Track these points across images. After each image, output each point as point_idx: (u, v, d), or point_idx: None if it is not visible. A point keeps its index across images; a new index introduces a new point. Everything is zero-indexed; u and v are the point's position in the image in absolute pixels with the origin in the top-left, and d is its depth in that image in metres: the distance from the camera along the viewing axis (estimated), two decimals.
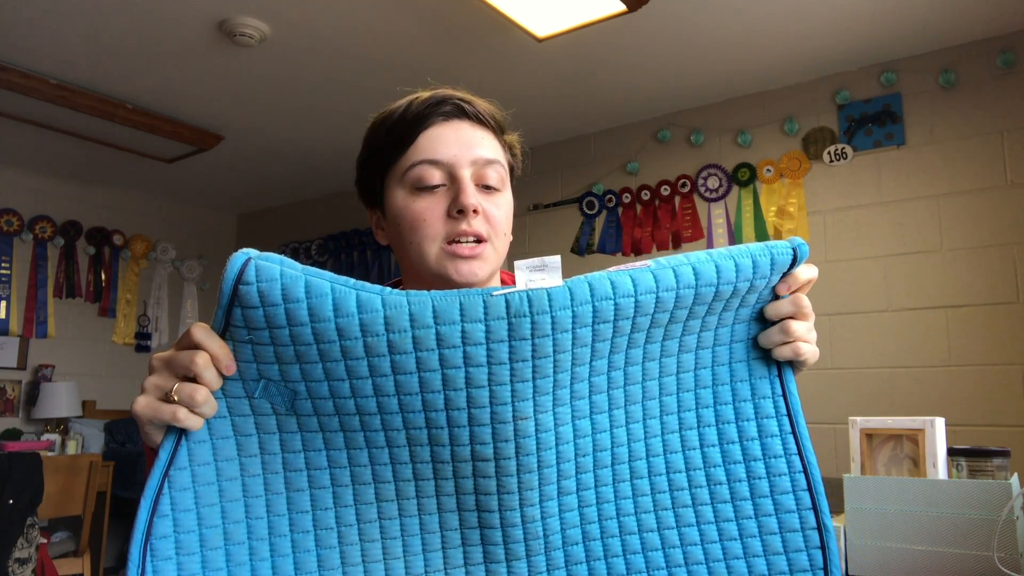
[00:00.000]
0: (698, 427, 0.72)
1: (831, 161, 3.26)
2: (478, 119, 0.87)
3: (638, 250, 3.73)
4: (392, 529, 0.68)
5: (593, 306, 0.62)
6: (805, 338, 0.73)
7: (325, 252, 5.09)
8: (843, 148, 3.24)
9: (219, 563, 0.64)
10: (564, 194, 4.01)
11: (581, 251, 3.91)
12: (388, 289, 0.63)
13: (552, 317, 0.61)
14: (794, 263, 0.70)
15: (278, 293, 0.60)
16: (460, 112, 0.86)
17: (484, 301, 0.61)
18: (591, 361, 0.66)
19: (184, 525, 0.63)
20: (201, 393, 0.63)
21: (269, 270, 0.61)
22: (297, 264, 0.63)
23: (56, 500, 3.29)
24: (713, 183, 3.57)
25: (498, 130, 0.90)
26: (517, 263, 0.62)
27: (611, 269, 0.65)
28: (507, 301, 0.61)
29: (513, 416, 0.64)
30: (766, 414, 0.72)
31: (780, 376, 0.73)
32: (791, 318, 0.72)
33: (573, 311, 0.62)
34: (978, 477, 1.39)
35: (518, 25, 2.78)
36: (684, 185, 3.64)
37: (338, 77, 3.36)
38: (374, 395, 0.64)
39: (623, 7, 2.65)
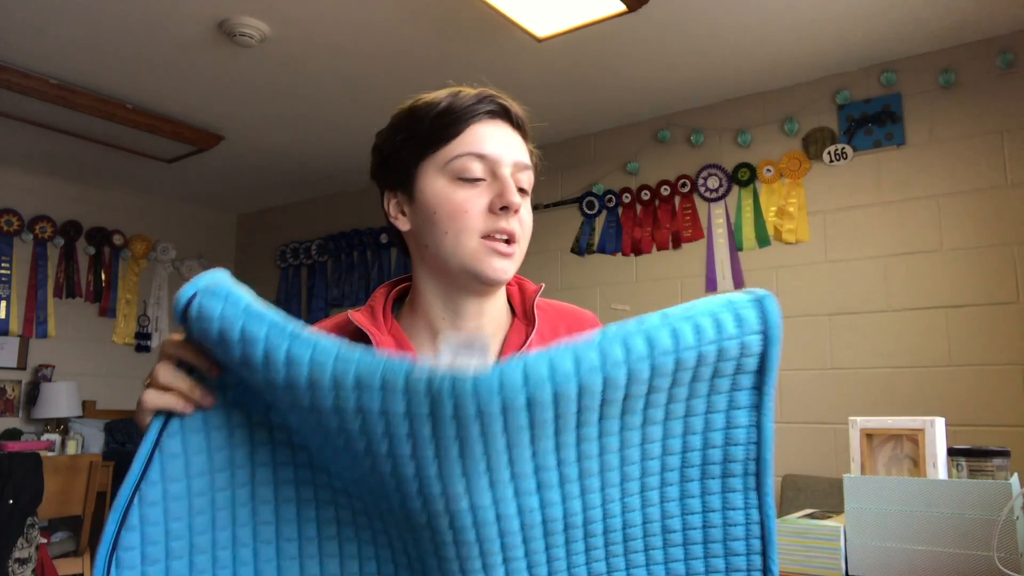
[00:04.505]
0: (663, 519, 0.69)
1: (831, 161, 3.26)
2: (517, 124, 0.90)
3: (638, 250, 3.73)
4: (349, 550, 0.69)
5: (527, 392, 0.57)
6: None
7: (325, 252, 5.09)
8: (843, 148, 3.24)
9: (183, 572, 0.65)
10: (564, 194, 4.01)
11: (581, 251, 3.91)
12: (324, 340, 0.61)
13: (478, 403, 0.57)
14: (767, 318, 0.64)
15: (215, 334, 0.62)
16: (505, 113, 0.89)
17: (406, 375, 0.58)
18: (533, 443, 0.60)
19: (150, 537, 0.64)
20: (163, 367, 0.66)
21: (210, 309, 0.62)
22: (242, 298, 0.63)
23: (56, 500, 3.29)
24: (713, 183, 3.57)
25: (528, 136, 0.94)
26: (446, 335, 0.60)
27: (558, 345, 0.60)
28: (430, 379, 0.58)
29: (443, 493, 0.60)
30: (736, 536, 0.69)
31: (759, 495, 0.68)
32: None
33: (503, 397, 0.57)
34: (978, 477, 1.39)
35: (518, 25, 2.78)
36: (684, 185, 3.64)
37: (338, 77, 3.36)
38: (313, 435, 0.65)
39: (623, 7, 2.65)
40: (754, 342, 0.64)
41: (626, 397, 0.61)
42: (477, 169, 0.85)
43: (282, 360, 0.60)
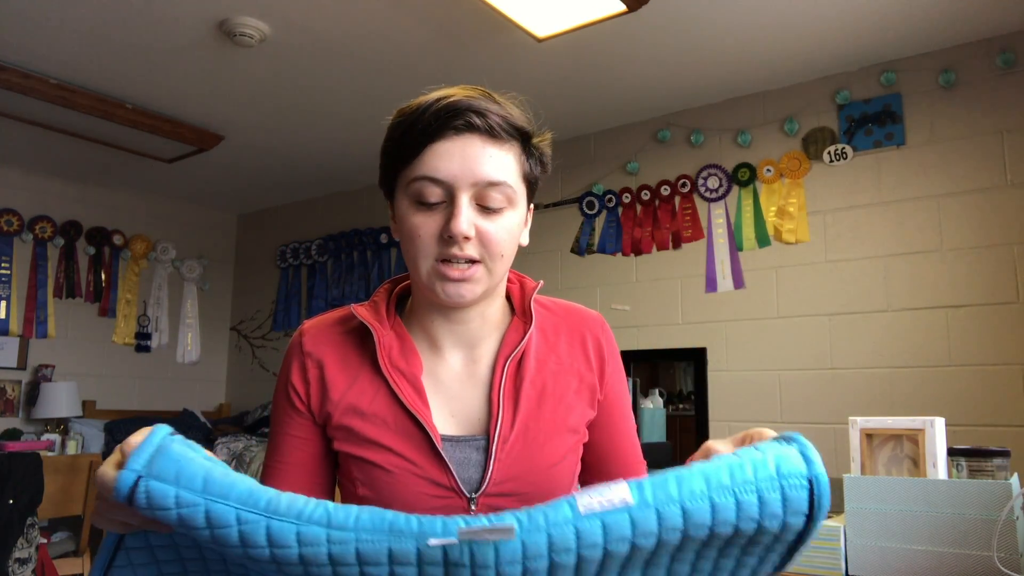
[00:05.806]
0: None
1: (831, 161, 3.26)
2: (490, 133, 0.83)
3: (638, 250, 3.73)
4: None
5: (551, 560, 0.56)
6: None
7: (325, 252, 5.09)
8: (843, 148, 3.24)
9: None
10: (564, 194, 4.01)
11: (581, 251, 3.91)
12: (308, 512, 0.57)
13: (497, 572, 0.55)
14: (813, 500, 0.60)
15: (174, 520, 0.57)
16: (471, 127, 0.82)
17: (418, 548, 0.56)
18: None
19: None
20: (102, 520, 0.64)
21: (161, 497, 0.56)
22: (196, 474, 0.56)
23: (56, 500, 3.29)
24: (713, 183, 3.57)
25: (518, 138, 0.87)
26: (461, 529, 0.55)
27: (586, 498, 0.57)
28: (445, 551, 0.55)
29: None
30: None
31: None
32: None
33: (524, 566, 0.55)
34: (978, 477, 1.39)
35: (518, 25, 2.78)
36: (684, 185, 3.64)
37: (338, 77, 3.36)
38: None
39: (623, 7, 2.65)
40: (797, 523, 0.61)
41: (652, 555, 0.60)
42: (433, 193, 0.82)
43: (263, 542, 0.56)
